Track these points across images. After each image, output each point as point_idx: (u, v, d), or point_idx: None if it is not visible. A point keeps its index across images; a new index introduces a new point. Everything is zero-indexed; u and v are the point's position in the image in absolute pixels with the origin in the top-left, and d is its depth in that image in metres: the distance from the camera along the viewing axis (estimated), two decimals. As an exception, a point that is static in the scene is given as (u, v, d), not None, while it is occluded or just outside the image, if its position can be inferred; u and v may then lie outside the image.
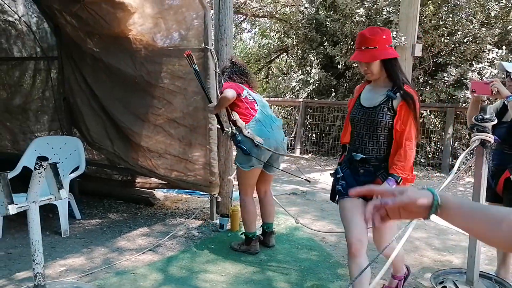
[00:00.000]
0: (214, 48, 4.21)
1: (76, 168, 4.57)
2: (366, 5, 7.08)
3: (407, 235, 2.18)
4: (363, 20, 7.20)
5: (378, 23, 6.96)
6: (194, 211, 4.66)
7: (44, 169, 2.62)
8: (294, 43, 9.38)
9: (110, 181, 5.40)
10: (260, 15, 11.35)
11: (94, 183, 5.43)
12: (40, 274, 2.74)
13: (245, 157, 3.48)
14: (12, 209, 2.57)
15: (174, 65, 4.34)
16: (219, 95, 3.88)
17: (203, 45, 4.10)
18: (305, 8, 9.14)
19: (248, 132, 3.44)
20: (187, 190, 5.16)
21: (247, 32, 14.39)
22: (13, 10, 5.22)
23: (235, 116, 3.51)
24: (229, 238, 4.02)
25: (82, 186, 5.38)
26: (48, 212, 4.62)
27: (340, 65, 8.28)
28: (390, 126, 2.32)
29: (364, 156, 2.36)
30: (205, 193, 4.68)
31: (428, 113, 7.34)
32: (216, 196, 4.36)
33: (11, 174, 4.27)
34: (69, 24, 4.68)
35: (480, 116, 2.44)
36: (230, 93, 3.44)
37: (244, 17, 11.55)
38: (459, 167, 2.43)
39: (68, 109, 5.24)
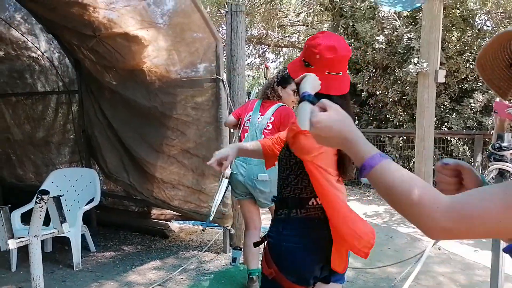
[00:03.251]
0: (227, 78, 4.20)
1: (92, 200, 4.58)
2: (386, 32, 6.99)
3: (417, 269, 2.01)
4: (383, 47, 7.09)
5: (399, 50, 6.84)
6: (208, 244, 4.55)
7: (45, 202, 2.59)
8: (317, 71, 9.32)
9: (126, 213, 5.38)
10: (283, 45, 11.40)
11: (111, 214, 5.43)
12: (40, 311, 2.67)
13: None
14: (12, 244, 2.54)
15: (187, 96, 4.34)
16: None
17: (215, 75, 4.10)
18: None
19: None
20: (202, 222, 5.06)
21: (271, 62, 14.53)
22: (36, 46, 5.40)
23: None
24: (240, 272, 3.87)
25: (100, 217, 5.39)
26: (65, 244, 4.61)
27: (365, 93, 8.15)
28: None
29: None
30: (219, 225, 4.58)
31: (456, 141, 7.06)
32: (229, 228, 4.25)
33: (28, 206, 4.30)
34: (87, 58, 4.78)
35: (497, 144, 2.27)
36: (227, 120, 3.45)
37: (267, 47, 11.65)
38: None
39: (87, 141, 5.30)
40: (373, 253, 4.51)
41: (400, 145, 7.39)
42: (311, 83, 1.53)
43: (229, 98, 4.15)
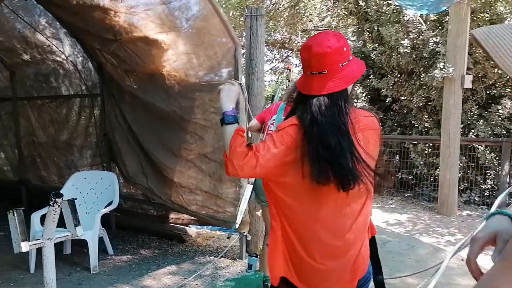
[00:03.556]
0: (245, 82, 4.16)
1: (110, 203, 4.60)
2: (411, 36, 6.83)
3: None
4: (408, 51, 6.92)
5: (424, 54, 6.66)
6: (224, 249, 4.51)
7: (59, 205, 2.60)
8: (340, 76, 9.18)
9: (145, 216, 5.39)
10: (306, 50, 11.28)
11: (130, 217, 5.45)
12: (53, 314, 2.67)
13: None
14: (25, 247, 2.55)
15: (206, 100, 4.32)
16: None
17: (234, 79, 4.06)
18: (351, 41, 8.99)
19: None
20: (220, 227, 5.02)
21: (295, 66, 14.46)
22: (60, 50, 5.49)
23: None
24: (256, 279, 3.81)
25: (119, 220, 5.43)
26: (83, 246, 4.65)
27: (389, 99, 7.99)
28: None
29: None
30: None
31: (483, 148, 6.82)
32: (245, 234, 4.19)
33: (48, 209, 4.35)
34: (109, 62, 4.83)
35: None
36: (250, 123, 3.36)
37: (290, 51, 11.58)
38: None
39: (108, 144, 5.35)
40: (394, 263, 4.39)
41: (425, 152, 7.18)
42: (227, 96, 1.69)
43: (247, 103, 4.10)
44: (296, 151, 1.59)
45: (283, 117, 3.25)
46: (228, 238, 4.23)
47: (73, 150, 6.04)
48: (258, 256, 4.04)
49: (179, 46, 4.19)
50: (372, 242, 1.82)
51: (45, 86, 6.15)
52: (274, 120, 3.34)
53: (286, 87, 3.79)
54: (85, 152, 5.98)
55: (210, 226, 5.11)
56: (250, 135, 3.98)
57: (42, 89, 6.22)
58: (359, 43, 8.96)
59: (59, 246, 4.55)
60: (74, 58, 5.58)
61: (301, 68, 1.84)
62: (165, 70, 4.34)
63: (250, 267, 3.99)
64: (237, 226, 3.82)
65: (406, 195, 7.48)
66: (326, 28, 10.42)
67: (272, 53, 11.86)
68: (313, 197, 1.61)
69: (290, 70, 3.81)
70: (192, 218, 4.83)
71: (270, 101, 3.87)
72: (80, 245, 4.39)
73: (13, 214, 2.53)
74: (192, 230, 5.10)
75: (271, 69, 12.05)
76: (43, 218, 4.31)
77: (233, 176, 1.69)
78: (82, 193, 4.78)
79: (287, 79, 3.79)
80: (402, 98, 7.75)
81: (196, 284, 3.76)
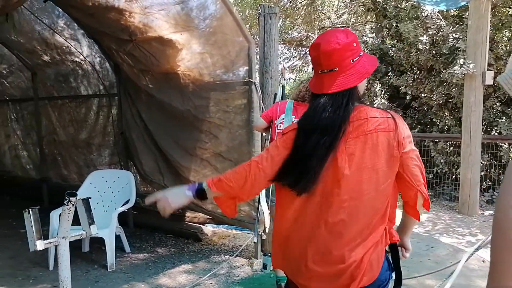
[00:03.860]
0: (259, 81, 4.15)
1: (127, 201, 4.65)
2: (430, 32, 6.69)
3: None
4: (427, 47, 6.79)
5: (444, 50, 6.51)
6: (239, 248, 4.50)
7: (73, 204, 2.63)
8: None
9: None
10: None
11: (148, 216, 5.48)
12: (67, 312, 2.71)
13: None
14: (40, 245, 2.59)
15: (220, 99, 4.32)
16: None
17: (247, 78, 4.05)
18: (369, 38, 8.87)
19: None
20: (235, 226, 5.03)
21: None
22: (79, 51, 5.58)
23: (267, 144, 3.35)
24: (271, 279, 3.79)
25: (137, 219, 5.48)
26: (102, 244, 4.71)
27: (409, 96, 7.86)
28: None
29: None
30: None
31: (506, 146, 6.64)
32: (260, 233, 4.18)
33: (62, 208, 4.42)
34: (125, 62, 4.87)
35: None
36: (255, 123, 3.34)
37: (308, 49, 11.50)
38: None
39: (125, 143, 5.41)
40: (412, 264, 4.31)
41: (446, 150, 7.04)
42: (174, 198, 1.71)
43: (261, 102, 4.09)
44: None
45: (293, 117, 3.23)
46: (255, 242, 4.23)
47: (91, 149, 6.13)
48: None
49: (193, 45, 4.21)
50: (393, 249, 1.75)
51: (65, 86, 6.26)
52: (283, 119, 3.31)
53: (283, 86, 3.79)
54: (103, 151, 6.07)
55: (226, 225, 5.11)
56: (264, 134, 3.96)
57: (62, 89, 6.33)
58: (378, 40, 8.83)
59: (78, 244, 4.64)
60: (92, 59, 5.66)
61: (312, 68, 1.77)
62: (180, 69, 4.36)
63: (265, 266, 3.97)
64: (259, 228, 3.86)
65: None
66: (344, 25, 10.31)
67: (289, 51, 11.81)
68: (300, 203, 1.62)
69: (284, 69, 3.85)
70: (208, 216, 4.84)
71: (273, 101, 3.86)
72: (98, 243, 4.44)
73: (29, 213, 2.58)
74: (208, 228, 5.12)
75: (288, 67, 12.00)
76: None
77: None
78: (100, 192, 4.85)
79: (282, 78, 3.81)
80: (422, 95, 7.61)
81: (211, 283, 3.76)
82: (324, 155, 1.54)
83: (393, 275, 1.83)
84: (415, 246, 4.78)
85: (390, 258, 1.79)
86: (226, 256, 4.39)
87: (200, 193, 1.67)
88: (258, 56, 4.29)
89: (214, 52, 4.20)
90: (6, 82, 7.22)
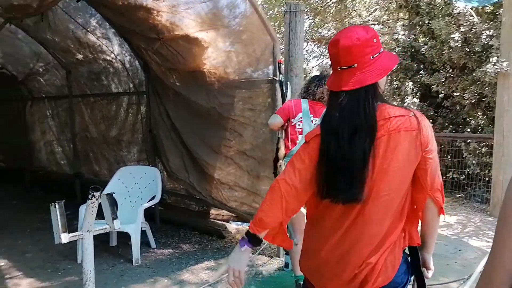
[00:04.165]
0: (284, 79, 4.13)
1: (153, 197, 4.73)
2: (463, 30, 6.48)
3: None
4: (459, 45, 6.58)
5: (477, 48, 6.30)
6: (262, 246, 4.51)
7: (96, 199, 2.70)
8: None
9: (187, 211, 5.50)
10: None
11: (174, 212, 5.59)
12: (90, 304, 2.79)
13: None
14: (65, 238, 2.67)
15: (244, 97, 4.34)
16: None
17: (272, 76, 4.05)
18: (401, 36, 8.68)
19: (280, 166, 3.20)
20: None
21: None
22: (110, 49, 5.72)
23: (281, 144, 3.30)
24: (292, 278, 3.77)
25: (163, 215, 5.58)
26: (129, 239, 4.81)
27: (441, 95, 7.66)
28: None
29: None
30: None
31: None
32: (283, 232, 4.17)
33: (87, 202, 4.55)
34: (153, 61, 4.96)
35: None
36: (271, 121, 3.30)
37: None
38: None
39: (152, 141, 5.51)
40: (438, 267, 4.18)
41: (478, 151, 6.82)
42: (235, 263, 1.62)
43: (286, 100, 4.07)
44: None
45: (311, 116, 3.20)
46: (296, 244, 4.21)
47: (121, 146, 6.28)
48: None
49: (219, 43, 4.24)
50: (413, 253, 1.71)
51: (97, 84, 6.43)
52: (301, 118, 3.27)
53: (281, 81, 3.76)
54: (132, 148, 6.19)
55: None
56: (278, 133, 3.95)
57: (94, 87, 6.51)
58: (410, 37, 8.64)
59: (105, 238, 4.78)
60: (122, 57, 5.78)
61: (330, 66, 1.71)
62: (206, 67, 4.40)
63: (287, 265, 3.97)
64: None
65: (458, 195, 7.15)
66: (375, 22, 10.14)
67: (319, 49, 11.70)
68: (323, 205, 1.59)
69: (281, 63, 3.81)
70: (232, 214, 4.87)
71: (280, 88, 3.88)
72: (125, 237, 4.53)
73: (55, 207, 2.66)
74: (232, 226, 5.15)
75: (318, 65, 11.90)
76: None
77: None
78: (128, 187, 4.96)
79: (279, 73, 3.81)
80: (455, 94, 7.40)
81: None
82: (367, 159, 1.47)
83: (412, 278, 1.78)
84: (442, 248, 4.67)
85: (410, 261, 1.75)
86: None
87: (254, 241, 1.62)
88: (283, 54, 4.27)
89: (239, 50, 4.22)
90: (42, 80, 7.48)
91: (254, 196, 4.33)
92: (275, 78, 4.00)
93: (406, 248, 1.69)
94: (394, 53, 8.67)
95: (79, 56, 6.09)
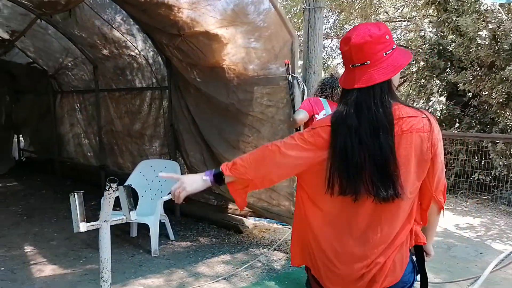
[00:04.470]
0: (302, 76, 4.14)
1: (173, 191, 4.81)
2: (490, 27, 6.30)
3: None
4: (487, 43, 6.40)
5: (505, 46, 6.12)
6: (278, 242, 4.54)
7: (113, 190, 2.78)
8: (414, 70, 8.77)
9: (207, 206, 5.57)
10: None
11: (193, 206, 5.67)
12: (106, 291, 2.88)
13: None
14: (83, 227, 2.76)
15: (262, 93, 4.37)
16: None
17: (289, 73, 4.06)
18: (428, 32, 8.50)
19: None
20: (275, 220, 5.06)
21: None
22: (134, 45, 5.83)
23: None
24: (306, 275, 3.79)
25: (184, 208, 5.67)
26: (149, 231, 4.93)
27: (469, 94, 7.48)
28: None
29: None
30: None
31: None
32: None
33: (117, 194, 4.67)
34: (175, 56, 5.04)
35: None
36: (298, 116, 3.31)
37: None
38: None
39: (174, 135, 5.60)
40: (457, 269, 4.13)
41: (506, 152, 6.63)
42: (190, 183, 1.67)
43: (305, 96, 4.08)
44: (327, 153, 1.53)
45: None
46: None
47: (144, 140, 6.41)
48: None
49: (238, 40, 4.28)
50: (418, 252, 1.71)
51: (121, 79, 6.58)
52: (325, 115, 3.31)
53: (290, 82, 3.74)
54: (155, 142, 6.32)
55: (267, 219, 5.16)
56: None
57: (119, 81, 6.66)
58: (437, 34, 8.45)
59: (127, 229, 4.91)
60: (146, 53, 5.89)
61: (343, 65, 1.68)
62: (225, 63, 4.45)
63: (301, 261, 3.98)
64: None
65: (483, 197, 6.97)
66: (402, 19, 9.96)
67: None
68: (332, 204, 1.57)
69: (288, 64, 3.78)
70: (249, 209, 4.91)
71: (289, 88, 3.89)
72: (146, 229, 4.64)
73: (74, 197, 2.75)
74: (250, 221, 5.20)
75: (341, 63, 11.78)
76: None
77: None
78: (148, 180, 5.07)
79: (288, 74, 3.77)
80: (483, 93, 7.20)
81: (247, 275, 3.83)
82: (395, 155, 1.45)
83: (418, 277, 1.78)
84: (463, 251, 4.60)
85: (415, 260, 1.75)
86: (264, 249, 4.44)
87: (218, 178, 1.66)
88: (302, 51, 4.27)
89: (258, 46, 4.25)
90: (71, 74, 7.71)
91: (270, 192, 4.36)
92: (293, 74, 4.01)
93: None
94: (421, 50, 8.53)
95: (105, 52, 6.24)
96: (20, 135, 10.19)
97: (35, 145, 9.80)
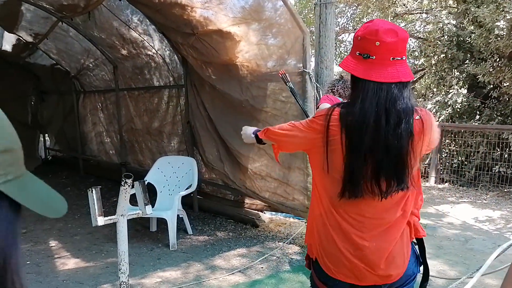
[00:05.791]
0: (314, 71, 4.17)
1: (190, 186, 4.94)
2: (509, 17, 6.17)
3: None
4: (505, 33, 6.28)
5: (524, 36, 6.01)
6: (293, 235, 4.60)
7: (129, 185, 2.89)
8: (433, 62, 8.65)
9: (224, 200, 5.68)
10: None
11: (211, 201, 5.79)
12: (124, 283, 3.00)
13: None
14: (101, 221, 2.88)
15: (275, 89, 4.42)
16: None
17: (302, 68, 4.10)
18: (445, 24, 8.36)
19: None
20: (290, 214, 5.12)
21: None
22: (151, 45, 5.96)
23: None
24: (319, 267, 3.84)
25: (202, 203, 5.79)
26: (167, 225, 5.06)
27: (490, 85, 7.34)
28: None
29: None
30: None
31: None
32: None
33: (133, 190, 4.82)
34: (190, 55, 5.14)
35: None
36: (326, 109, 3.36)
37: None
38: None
39: (190, 132, 5.71)
40: (474, 262, 4.11)
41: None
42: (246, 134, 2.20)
43: (316, 91, 4.12)
44: (323, 139, 1.58)
45: None
46: None
47: (162, 137, 6.55)
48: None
49: (250, 37, 4.34)
50: (419, 244, 1.76)
51: (140, 78, 6.73)
52: None
53: (290, 88, 3.74)
54: (173, 139, 6.45)
55: (283, 213, 5.22)
56: None
57: (138, 80, 6.81)
58: (456, 25, 8.31)
59: (147, 224, 5.05)
60: (162, 52, 6.02)
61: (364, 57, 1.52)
62: (238, 60, 4.51)
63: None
64: None
65: (505, 190, 6.86)
66: (421, 11, 9.82)
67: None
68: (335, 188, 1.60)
69: (284, 74, 3.75)
70: (265, 204, 4.99)
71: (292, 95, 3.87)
72: (165, 224, 4.77)
73: (92, 192, 2.88)
74: (266, 216, 5.27)
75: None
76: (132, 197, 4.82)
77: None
78: (166, 176, 5.20)
79: (284, 82, 3.73)
80: (503, 84, 7.07)
81: (262, 268, 3.91)
82: (410, 147, 1.50)
83: (421, 269, 1.82)
84: (481, 243, 4.56)
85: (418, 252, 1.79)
86: (280, 243, 4.51)
87: (258, 138, 2.04)
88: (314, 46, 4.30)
89: (270, 43, 4.30)
90: (92, 75, 7.92)
91: (285, 187, 4.42)
92: (305, 70, 4.05)
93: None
94: (439, 42, 8.41)
95: (124, 52, 6.39)
96: (46, 134, 10.51)
97: (60, 144, 10.10)
